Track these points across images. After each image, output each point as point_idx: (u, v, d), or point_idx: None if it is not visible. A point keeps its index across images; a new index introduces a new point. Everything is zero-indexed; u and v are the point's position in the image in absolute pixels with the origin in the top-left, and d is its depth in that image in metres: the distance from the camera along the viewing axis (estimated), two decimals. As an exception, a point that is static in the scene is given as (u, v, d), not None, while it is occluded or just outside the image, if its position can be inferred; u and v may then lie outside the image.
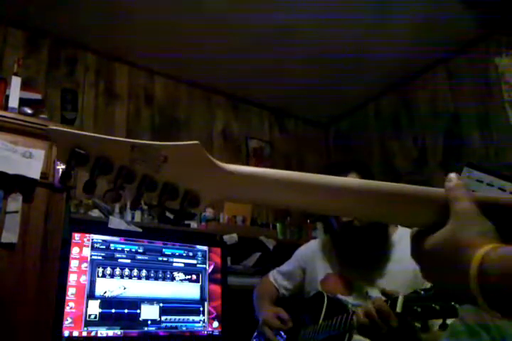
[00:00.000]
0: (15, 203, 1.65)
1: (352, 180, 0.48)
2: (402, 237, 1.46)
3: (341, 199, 0.47)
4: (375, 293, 1.36)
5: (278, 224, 3.02)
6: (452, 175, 0.47)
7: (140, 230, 2.23)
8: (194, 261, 2.09)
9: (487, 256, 0.38)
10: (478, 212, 0.44)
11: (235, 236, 2.49)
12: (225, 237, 2.47)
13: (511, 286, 0.36)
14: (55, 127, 0.43)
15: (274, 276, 1.71)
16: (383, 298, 1.14)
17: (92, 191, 0.44)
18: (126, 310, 1.83)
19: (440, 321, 0.97)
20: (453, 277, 0.42)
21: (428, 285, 1.25)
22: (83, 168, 0.43)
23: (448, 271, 0.43)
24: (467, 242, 0.41)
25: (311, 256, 1.61)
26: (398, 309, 1.05)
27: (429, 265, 0.46)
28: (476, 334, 0.78)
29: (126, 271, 1.90)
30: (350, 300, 1.40)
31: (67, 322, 1.70)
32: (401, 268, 1.37)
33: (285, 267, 1.71)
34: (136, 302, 1.87)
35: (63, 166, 1.70)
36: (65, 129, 0.43)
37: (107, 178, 0.44)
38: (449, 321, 0.95)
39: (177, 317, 1.94)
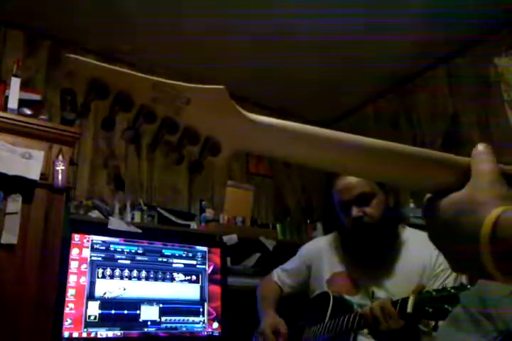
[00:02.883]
0: (14, 204, 1.65)
1: (376, 141, 0.48)
2: (410, 237, 1.46)
3: (364, 159, 0.46)
4: (381, 293, 1.36)
5: (278, 225, 3.01)
6: (480, 144, 0.47)
7: (140, 231, 2.23)
8: (194, 262, 2.09)
9: (502, 217, 0.37)
10: (500, 177, 0.43)
11: (234, 236, 2.49)
12: (225, 238, 2.47)
13: None
14: (74, 55, 0.40)
15: (278, 274, 1.70)
16: (390, 298, 1.14)
17: (110, 128, 0.42)
18: (126, 311, 1.83)
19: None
20: (463, 239, 0.40)
21: (435, 285, 1.25)
22: (102, 101, 0.41)
23: (459, 233, 0.41)
24: (483, 203, 0.40)
25: (317, 253, 1.60)
26: (409, 309, 1.05)
27: (439, 227, 0.45)
28: (479, 322, 0.77)
29: (126, 272, 1.90)
30: (355, 300, 1.40)
31: (67, 323, 1.70)
32: (408, 269, 1.37)
33: (290, 264, 1.69)
34: (135, 303, 1.87)
35: (63, 167, 1.68)
36: (85, 59, 0.40)
37: (127, 117, 0.42)
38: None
39: (177, 318, 1.94)
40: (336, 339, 1.29)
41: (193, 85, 0.42)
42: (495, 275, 0.37)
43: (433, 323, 1.04)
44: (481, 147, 0.47)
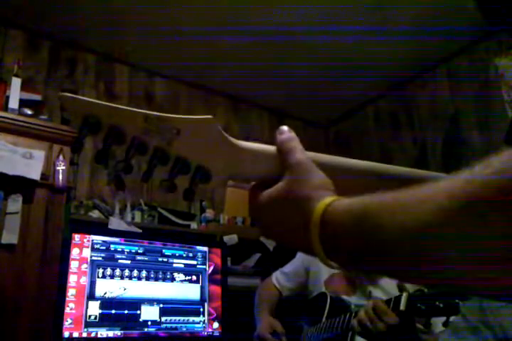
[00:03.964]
0: (15, 204, 1.65)
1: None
2: None
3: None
4: (378, 292, 1.36)
5: (278, 225, 3.01)
6: (284, 128, 0.47)
7: (140, 231, 2.23)
8: (194, 262, 2.09)
9: (329, 207, 0.37)
10: (312, 165, 0.43)
11: (235, 237, 2.49)
12: (225, 238, 2.47)
13: (354, 238, 0.35)
14: (68, 94, 0.42)
15: (277, 277, 1.71)
16: (384, 298, 1.15)
17: (104, 162, 0.43)
18: (126, 311, 1.83)
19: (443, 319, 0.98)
20: (293, 230, 0.41)
21: None
22: (95, 136, 0.43)
23: (288, 225, 0.41)
24: (307, 195, 0.40)
25: None
26: (402, 307, 1.06)
27: (267, 220, 0.45)
28: (478, 331, 0.78)
29: (126, 272, 1.90)
30: (353, 300, 1.41)
31: (67, 323, 1.70)
32: None
33: (288, 267, 1.71)
34: (136, 303, 1.87)
35: (63, 167, 1.70)
36: (78, 97, 0.42)
37: (119, 149, 0.44)
38: (452, 319, 0.96)
39: (177, 318, 1.94)
40: (334, 339, 1.30)
41: (182, 116, 0.44)
42: (328, 264, 0.39)
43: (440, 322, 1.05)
44: (286, 131, 0.46)
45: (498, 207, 0.25)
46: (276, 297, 1.67)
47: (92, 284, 1.79)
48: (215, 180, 0.45)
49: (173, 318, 1.93)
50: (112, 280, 1.85)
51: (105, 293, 1.81)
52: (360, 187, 0.48)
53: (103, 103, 0.42)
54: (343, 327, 1.24)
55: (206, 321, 2.00)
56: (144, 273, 1.93)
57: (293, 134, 0.46)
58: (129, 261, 1.92)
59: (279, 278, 1.70)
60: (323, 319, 1.39)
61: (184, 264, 2.05)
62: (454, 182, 0.28)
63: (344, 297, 1.43)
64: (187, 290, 2.02)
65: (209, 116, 0.44)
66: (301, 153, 0.44)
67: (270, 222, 0.45)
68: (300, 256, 1.69)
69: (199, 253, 2.12)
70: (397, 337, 1.10)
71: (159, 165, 0.44)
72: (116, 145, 0.43)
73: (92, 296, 1.78)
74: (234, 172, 0.46)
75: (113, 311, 1.80)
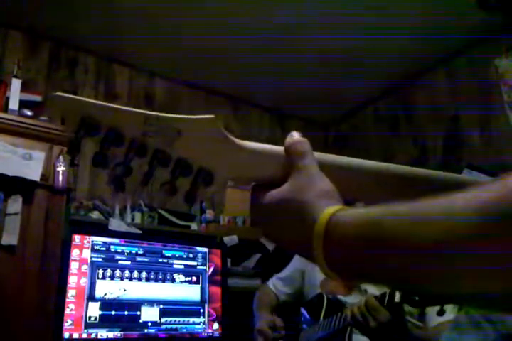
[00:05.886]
0: (15, 205, 1.65)
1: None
2: None
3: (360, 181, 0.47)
4: (373, 289, 1.38)
5: (278, 226, 3.01)
6: (294, 133, 0.46)
7: (140, 232, 2.23)
8: (194, 263, 2.09)
9: (334, 217, 0.36)
10: (317, 171, 0.42)
11: (235, 237, 2.49)
12: (225, 239, 2.47)
13: (358, 249, 0.34)
14: (62, 94, 0.40)
15: (274, 283, 1.73)
16: (376, 293, 1.16)
17: (101, 164, 0.42)
18: (126, 312, 1.83)
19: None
20: (295, 237, 0.40)
21: None
22: (93, 138, 0.41)
23: (290, 230, 0.40)
24: (311, 202, 0.39)
25: None
26: (396, 299, 1.08)
27: (269, 222, 0.44)
28: (481, 327, 0.78)
29: (127, 273, 1.90)
30: (349, 300, 1.42)
31: (67, 324, 1.70)
32: None
33: (284, 272, 1.73)
34: (136, 304, 1.87)
35: (63, 168, 1.69)
36: (74, 96, 0.40)
37: (118, 151, 0.42)
38: (445, 306, 0.97)
39: (177, 319, 1.93)
40: (332, 338, 1.32)
41: (183, 116, 0.42)
42: (330, 275, 0.37)
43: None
44: (296, 135, 0.45)
45: None
46: (275, 300, 1.68)
47: (92, 285, 1.79)
48: (218, 182, 0.44)
49: (173, 319, 1.93)
50: (112, 281, 1.85)
51: (105, 294, 1.81)
52: (376, 191, 0.48)
53: (100, 103, 0.40)
54: (340, 323, 1.26)
55: (206, 322, 2.00)
56: (144, 274, 1.93)
57: (303, 138, 0.45)
58: (129, 262, 1.92)
59: (276, 284, 1.72)
60: (321, 319, 1.40)
61: (184, 265, 2.05)
62: (488, 196, 0.27)
63: (340, 297, 1.44)
64: (187, 291, 2.01)
65: (211, 116, 0.42)
66: (311, 158, 0.43)
67: (273, 225, 0.43)
68: (295, 260, 1.70)
69: (199, 254, 2.12)
70: (388, 333, 1.12)
71: (160, 167, 0.42)
72: (114, 148, 0.41)
73: (92, 297, 1.77)
74: (237, 173, 0.45)
75: (113, 312, 1.80)
